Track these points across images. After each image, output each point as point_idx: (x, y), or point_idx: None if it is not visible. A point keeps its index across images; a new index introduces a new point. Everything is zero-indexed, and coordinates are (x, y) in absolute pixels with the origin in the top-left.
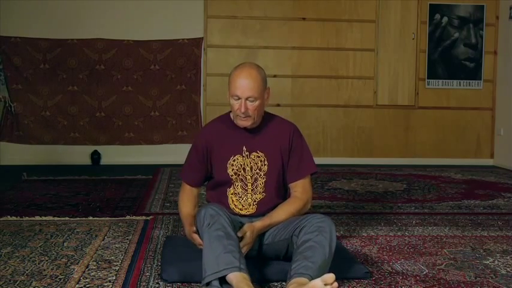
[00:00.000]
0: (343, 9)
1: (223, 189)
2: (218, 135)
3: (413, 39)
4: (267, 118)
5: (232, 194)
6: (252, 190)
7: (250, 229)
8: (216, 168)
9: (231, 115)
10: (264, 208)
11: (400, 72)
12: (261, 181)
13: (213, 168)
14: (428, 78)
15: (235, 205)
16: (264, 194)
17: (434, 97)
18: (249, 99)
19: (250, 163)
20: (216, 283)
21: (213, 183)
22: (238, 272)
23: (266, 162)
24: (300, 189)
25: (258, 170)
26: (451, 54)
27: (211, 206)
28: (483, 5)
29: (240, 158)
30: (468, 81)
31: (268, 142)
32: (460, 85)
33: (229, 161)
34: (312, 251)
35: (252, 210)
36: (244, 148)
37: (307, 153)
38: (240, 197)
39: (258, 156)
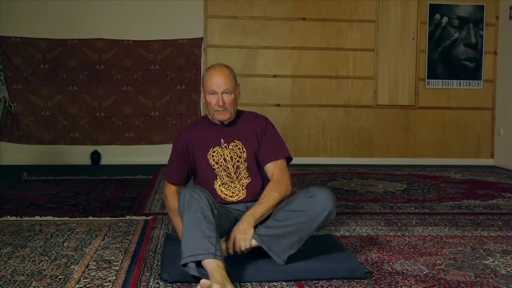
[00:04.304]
0: (343, 9)
1: (210, 184)
2: (196, 133)
3: (413, 39)
4: (240, 113)
5: (220, 186)
6: (237, 178)
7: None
8: (199, 163)
9: (209, 116)
10: (253, 191)
11: (400, 72)
12: (242, 167)
13: (196, 163)
14: (428, 78)
15: (226, 194)
16: (250, 178)
17: (434, 97)
18: (225, 92)
19: (230, 153)
20: (192, 265)
21: (200, 179)
22: (213, 259)
23: (244, 150)
24: (277, 172)
25: (238, 158)
26: (451, 54)
27: (191, 188)
28: (483, 5)
29: (219, 149)
30: (468, 81)
31: (244, 131)
32: (460, 85)
33: (209, 153)
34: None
35: (242, 195)
36: (222, 140)
37: (281, 140)
38: (229, 186)
39: (236, 145)
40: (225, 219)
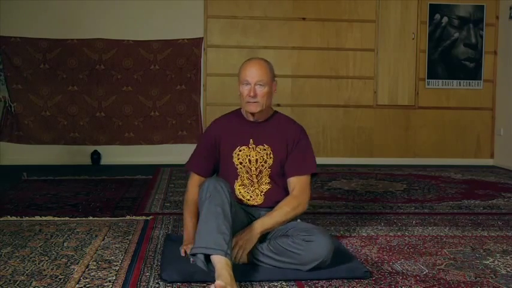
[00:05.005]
0: (343, 9)
1: (230, 182)
2: (227, 127)
3: (413, 39)
4: (276, 115)
5: (239, 186)
6: (257, 182)
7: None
8: (223, 159)
9: (242, 111)
10: (271, 199)
11: (400, 72)
12: (265, 173)
13: (220, 158)
14: (428, 78)
15: (243, 196)
16: (270, 185)
17: (434, 97)
18: (258, 84)
19: (256, 155)
20: (201, 257)
21: (221, 175)
22: (224, 256)
23: (271, 156)
24: (298, 188)
25: (263, 163)
26: (451, 54)
27: (217, 180)
28: (483, 5)
29: (246, 149)
30: (468, 81)
31: (275, 136)
32: (460, 85)
33: (235, 151)
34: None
35: (259, 200)
36: (251, 140)
37: (311, 154)
38: (248, 188)
39: (264, 149)
40: (238, 219)
